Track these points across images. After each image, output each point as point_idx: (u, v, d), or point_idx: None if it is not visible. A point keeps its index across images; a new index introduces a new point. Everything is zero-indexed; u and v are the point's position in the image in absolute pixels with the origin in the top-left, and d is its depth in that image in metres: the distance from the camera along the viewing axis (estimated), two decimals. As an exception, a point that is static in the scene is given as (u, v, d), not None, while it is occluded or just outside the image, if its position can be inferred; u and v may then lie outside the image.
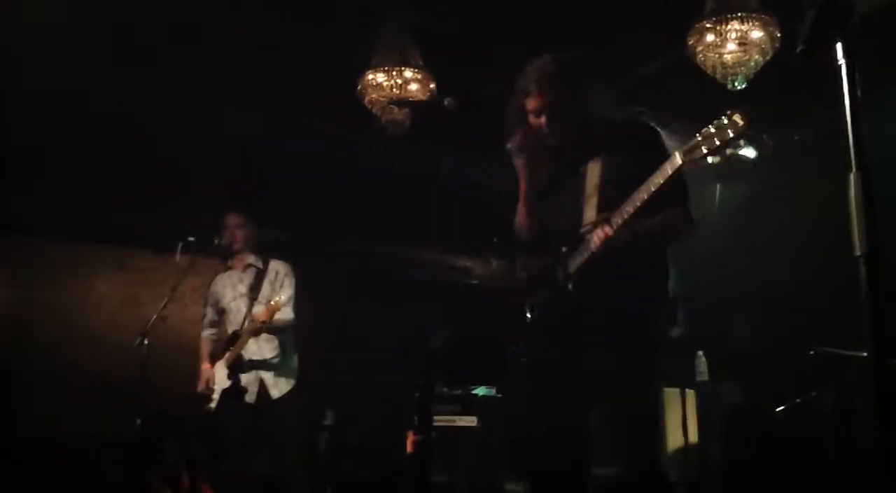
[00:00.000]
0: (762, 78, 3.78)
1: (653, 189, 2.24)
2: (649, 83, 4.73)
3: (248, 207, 4.60)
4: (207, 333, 4.61)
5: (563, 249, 2.52)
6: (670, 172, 2.20)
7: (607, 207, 2.39)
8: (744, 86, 3.78)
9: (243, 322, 4.34)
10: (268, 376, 4.32)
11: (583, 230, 2.43)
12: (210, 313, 4.61)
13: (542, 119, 2.54)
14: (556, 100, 2.52)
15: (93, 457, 4.98)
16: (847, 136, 1.33)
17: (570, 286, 2.47)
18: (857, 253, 1.27)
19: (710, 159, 2.13)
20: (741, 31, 3.65)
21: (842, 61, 1.34)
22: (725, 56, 3.72)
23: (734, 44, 3.68)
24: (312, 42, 4.38)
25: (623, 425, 2.35)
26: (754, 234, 5.15)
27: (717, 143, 2.08)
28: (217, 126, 4.99)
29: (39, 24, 3.80)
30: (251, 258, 4.53)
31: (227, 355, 4.32)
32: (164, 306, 4.32)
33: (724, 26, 3.65)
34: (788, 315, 4.78)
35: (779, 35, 3.65)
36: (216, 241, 4.44)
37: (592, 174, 2.51)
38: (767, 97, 4.26)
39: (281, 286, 4.44)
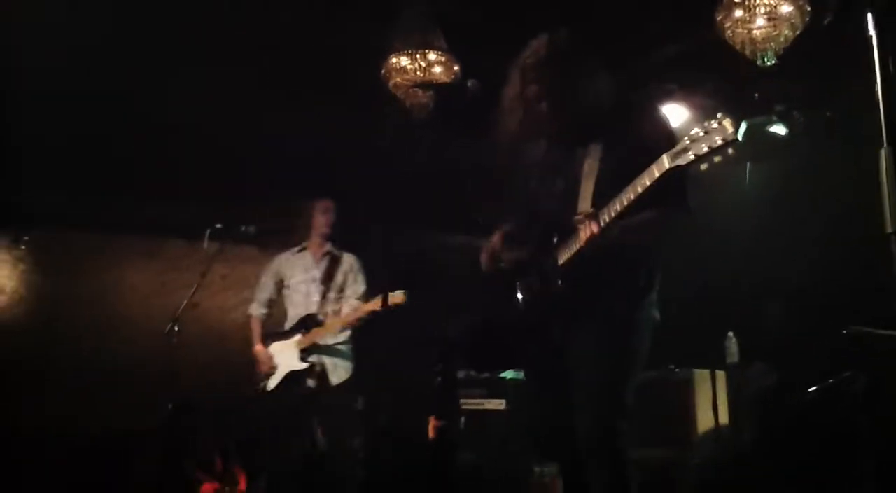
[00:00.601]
0: (792, 52, 3.70)
1: (640, 190, 2.20)
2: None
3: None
4: (260, 312, 4.60)
5: (554, 239, 2.47)
6: (657, 175, 2.15)
7: (602, 198, 2.34)
8: (774, 62, 3.70)
9: (320, 308, 4.38)
10: (329, 363, 4.36)
11: (576, 218, 2.37)
12: (269, 292, 4.60)
13: (543, 105, 2.48)
14: (554, 85, 2.46)
15: (126, 445, 5.06)
16: (878, 110, 1.29)
17: (559, 282, 2.43)
18: (889, 230, 1.25)
19: (701, 166, 2.06)
20: (770, 5, 3.57)
21: (872, 33, 1.31)
22: (755, 32, 3.64)
23: (763, 19, 3.60)
24: (316, 41, 4.34)
25: (591, 421, 2.33)
26: (784, 212, 5.06)
27: (705, 148, 2.02)
28: (239, 120, 4.98)
29: (39, 24, 3.77)
30: (328, 246, 4.57)
31: (301, 338, 4.34)
32: (195, 292, 4.37)
33: (752, 1, 3.57)
34: (820, 295, 4.70)
35: (809, 9, 3.56)
36: (243, 228, 4.48)
37: (590, 162, 2.44)
38: (798, 72, 4.17)
39: (354, 280, 4.50)
